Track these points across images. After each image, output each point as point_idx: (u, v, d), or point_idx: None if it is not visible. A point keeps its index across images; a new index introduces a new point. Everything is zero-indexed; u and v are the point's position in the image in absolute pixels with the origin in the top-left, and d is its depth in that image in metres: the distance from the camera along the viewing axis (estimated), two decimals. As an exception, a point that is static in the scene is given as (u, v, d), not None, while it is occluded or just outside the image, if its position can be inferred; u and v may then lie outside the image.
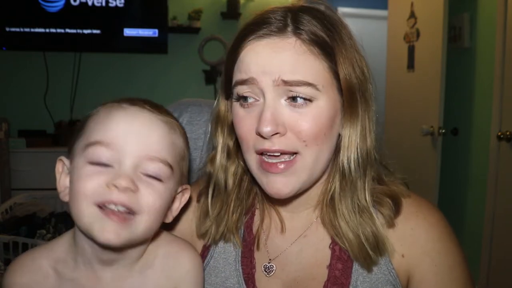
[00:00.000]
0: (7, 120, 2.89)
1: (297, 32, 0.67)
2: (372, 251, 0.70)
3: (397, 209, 0.74)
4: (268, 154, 0.68)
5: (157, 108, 0.68)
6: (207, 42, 3.48)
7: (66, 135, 3.15)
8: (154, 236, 0.71)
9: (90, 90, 3.38)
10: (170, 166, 0.64)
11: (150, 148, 0.62)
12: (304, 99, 0.66)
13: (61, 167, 0.68)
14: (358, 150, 0.70)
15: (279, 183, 0.68)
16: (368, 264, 0.72)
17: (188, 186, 0.73)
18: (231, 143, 0.78)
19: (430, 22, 2.79)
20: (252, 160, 0.71)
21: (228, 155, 0.78)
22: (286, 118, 0.66)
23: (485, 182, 2.59)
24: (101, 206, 0.59)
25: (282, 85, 0.65)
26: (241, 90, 0.69)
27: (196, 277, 0.73)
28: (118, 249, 0.64)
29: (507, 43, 2.40)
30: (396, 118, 3.17)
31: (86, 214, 0.60)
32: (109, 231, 0.59)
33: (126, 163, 0.61)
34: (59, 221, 2.05)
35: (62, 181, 0.67)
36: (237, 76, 0.69)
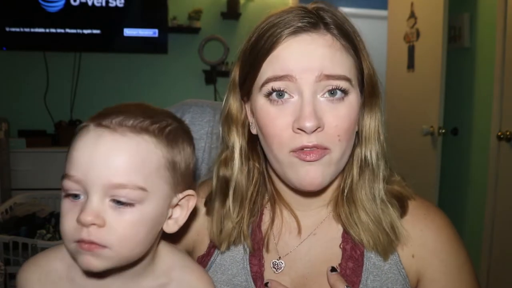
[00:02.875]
0: (7, 120, 2.89)
1: (329, 28, 0.69)
2: (392, 237, 0.72)
3: (403, 210, 0.76)
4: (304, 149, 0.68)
5: (123, 123, 0.60)
6: (207, 42, 3.48)
7: (66, 135, 3.16)
8: (166, 253, 0.70)
9: (90, 90, 3.38)
10: (142, 188, 0.59)
11: (114, 175, 0.57)
12: (341, 91, 0.67)
13: None
14: (377, 142, 0.73)
15: (313, 172, 0.68)
16: (386, 252, 0.73)
17: (192, 192, 0.68)
18: (244, 144, 0.77)
19: (430, 22, 2.79)
20: (284, 157, 0.69)
21: (243, 157, 0.77)
22: (324, 113, 0.67)
23: (485, 182, 2.59)
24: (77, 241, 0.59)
25: (324, 80, 0.66)
26: (275, 86, 0.68)
27: None
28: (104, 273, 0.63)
29: (507, 43, 2.40)
30: (396, 118, 3.17)
31: (70, 250, 0.61)
32: (87, 261, 0.59)
33: (93, 196, 0.58)
34: (59, 221, 2.05)
35: None
36: (270, 72, 0.68)
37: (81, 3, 3.18)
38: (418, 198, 0.79)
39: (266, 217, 0.81)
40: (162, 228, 0.66)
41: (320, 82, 0.66)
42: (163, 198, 0.63)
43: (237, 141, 0.76)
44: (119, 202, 0.58)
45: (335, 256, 0.76)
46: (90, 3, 3.19)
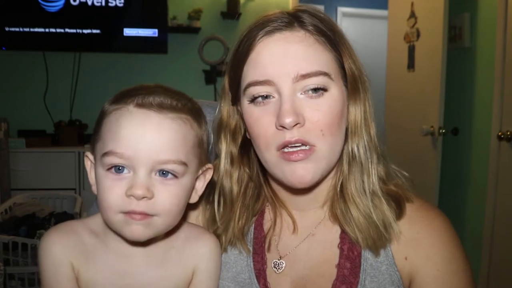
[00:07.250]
0: (7, 120, 2.88)
1: (303, 25, 0.70)
2: (382, 231, 0.72)
3: (399, 211, 0.75)
4: (289, 146, 0.69)
5: (164, 104, 0.67)
6: (207, 42, 3.48)
7: (65, 135, 3.15)
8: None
9: (90, 90, 3.38)
10: (184, 163, 0.66)
11: (161, 152, 0.64)
12: (320, 89, 0.69)
13: (89, 163, 0.73)
14: (364, 135, 0.73)
15: (301, 170, 0.69)
16: (377, 246, 0.73)
17: (210, 166, 0.75)
18: (234, 150, 0.79)
19: (430, 22, 2.79)
20: (272, 156, 0.71)
21: (232, 162, 0.79)
22: (304, 109, 0.68)
23: (485, 182, 2.59)
24: (125, 212, 0.65)
25: (301, 80, 0.68)
26: (255, 90, 0.70)
27: (215, 257, 0.77)
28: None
29: (507, 43, 2.40)
30: (396, 118, 3.16)
31: (114, 221, 0.66)
32: (136, 231, 0.65)
33: (140, 171, 0.64)
34: (59, 221, 2.05)
35: (91, 176, 0.72)
36: (250, 77, 0.71)
37: (81, 3, 3.18)
38: (418, 200, 0.78)
39: (268, 217, 0.82)
40: None
41: (298, 82, 0.68)
42: (194, 172, 0.71)
43: (224, 147, 0.79)
44: (165, 176, 0.65)
45: (334, 257, 0.76)
46: (90, 3, 3.19)
